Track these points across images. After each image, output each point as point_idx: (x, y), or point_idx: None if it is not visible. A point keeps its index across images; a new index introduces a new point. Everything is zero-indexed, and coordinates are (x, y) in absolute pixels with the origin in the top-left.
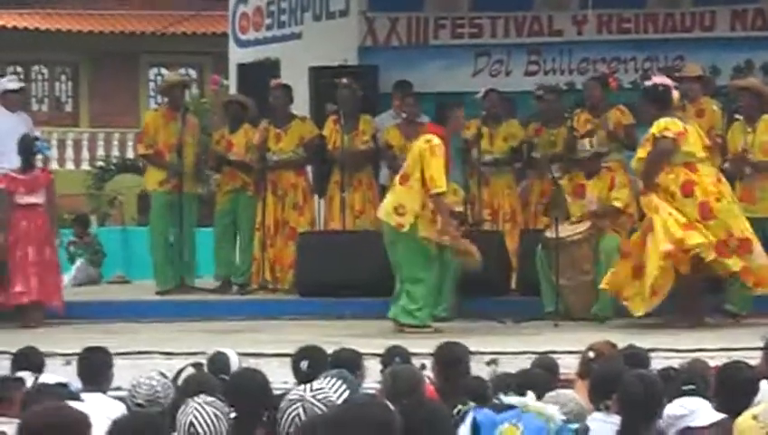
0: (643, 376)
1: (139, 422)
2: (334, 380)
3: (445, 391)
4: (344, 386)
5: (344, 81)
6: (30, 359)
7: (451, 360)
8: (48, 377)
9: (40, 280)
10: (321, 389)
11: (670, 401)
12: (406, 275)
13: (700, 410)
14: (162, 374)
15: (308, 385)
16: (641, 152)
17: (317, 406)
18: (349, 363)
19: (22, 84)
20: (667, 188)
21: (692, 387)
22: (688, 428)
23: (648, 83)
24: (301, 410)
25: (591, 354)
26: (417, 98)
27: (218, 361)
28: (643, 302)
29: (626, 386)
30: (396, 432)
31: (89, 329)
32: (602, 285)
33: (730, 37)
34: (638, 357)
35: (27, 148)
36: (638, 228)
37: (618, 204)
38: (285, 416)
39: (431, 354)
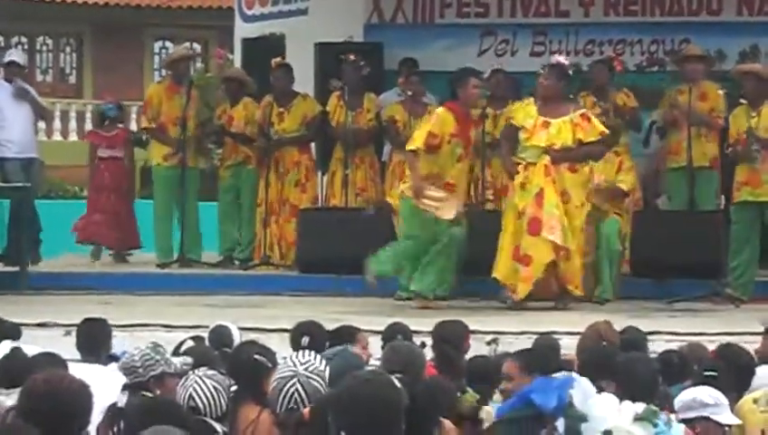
0: (640, 359)
1: (156, 408)
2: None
3: (443, 370)
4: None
5: (351, 57)
6: (3, 327)
7: (448, 337)
8: (29, 347)
9: (115, 225)
10: (308, 361)
11: (670, 384)
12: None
13: (725, 407)
14: (156, 345)
15: (294, 359)
16: (587, 135)
17: (312, 378)
18: (347, 338)
19: (12, 58)
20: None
21: (714, 374)
22: (706, 417)
23: (560, 60)
24: (298, 385)
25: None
26: (422, 76)
27: (220, 334)
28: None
29: (625, 369)
30: (401, 409)
31: (88, 300)
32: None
33: (736, 22)
34: (634, 340)
35: (101, 114)
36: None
37: (623, 186)
38: (283, 394)
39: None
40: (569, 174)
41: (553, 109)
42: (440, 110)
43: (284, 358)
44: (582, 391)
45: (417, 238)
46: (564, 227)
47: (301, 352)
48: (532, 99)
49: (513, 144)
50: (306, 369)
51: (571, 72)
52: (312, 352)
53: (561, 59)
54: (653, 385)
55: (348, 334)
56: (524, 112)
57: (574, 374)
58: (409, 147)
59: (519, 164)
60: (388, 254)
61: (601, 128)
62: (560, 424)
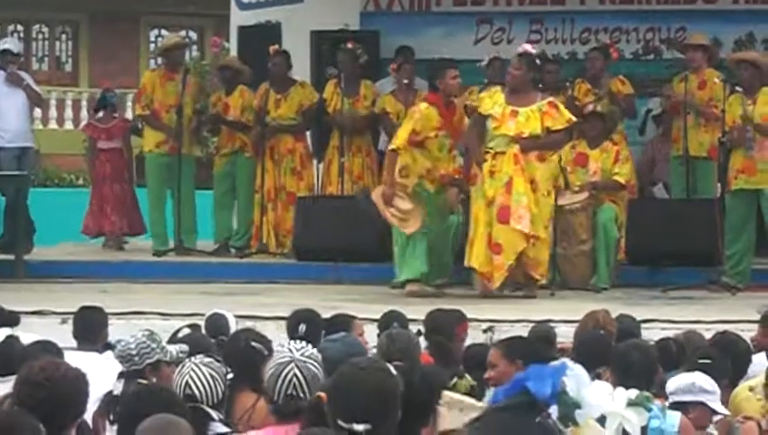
0: (638, 345)
1: (150, 398)
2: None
3: (437, 358)
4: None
5: (349, 45)
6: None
7: (439, 326)
8: (25, 335)
9: (121, 214)
10: (303, 346)
11: (666, 371)
12: None
13: (719, 396)
14: (151, 333)
15: (289, 346)
16: (555, 123)
17: (309, 362)
18: (342, 327)
19: (6, 47)
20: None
21: (708, 361)
22: (702, 403)
23: (528, 50)
24: (296, 370)
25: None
26: (418, 65)
27: (216, 322)
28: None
29: (623, 355)
30: (396, 396)
31: (85, 288)
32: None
33: (732, 10)
34: (627, 329)
35: (100, 100)
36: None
37: (620, 179)
38: (281, 379)
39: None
40: (537, 163)
41: (521, 97)
42: (423, 105)
43: (280, 345)
44: (576, 379)
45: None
46: (534, 215)
47: (292, 341)
48: (498, 87)
49: (482, 133)
50: (302, 354)
51: (538, 61)
52: (303, 341)
53: (529, 48)
54: (650, 373)
55: (343, 323)
56: (492, 101)
57: (568, 361)
58: (392, 146)
59: (487, 153)
60: (409, 259)
61: (569, 116)
62: (554, 411)
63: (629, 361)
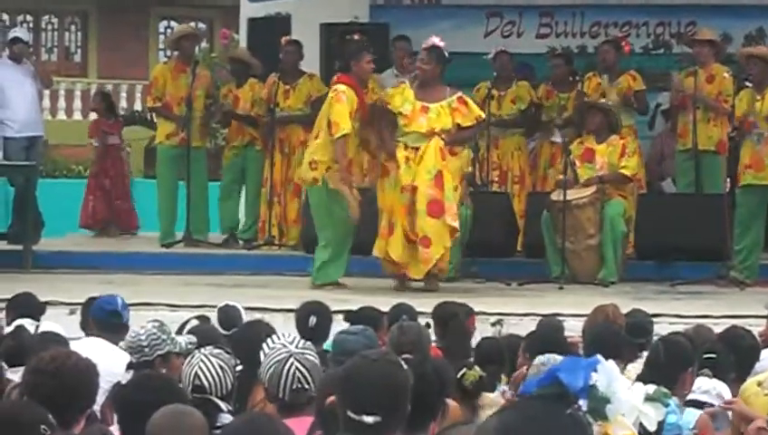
0: (668, 340)
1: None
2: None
3: (445, 350)
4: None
5: (355, 36)
6: (29, 305)
7: (446, 317)
8: (47, 325)
9: (119, 205)
10: (294, 338)
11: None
12: (317, 230)
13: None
14: (160, 325)
15: (282, 341)
16: (465, 119)
17: (307, 353)
18: (370, 321)
19: (17, 34)
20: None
21: (713, 355)
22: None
23: (437, 43)
24: (297, 363)
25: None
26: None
27: (229, 313)
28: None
29: (654, 351)
30: (407, 390)
31: (93, 279)
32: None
33: (743, 5)
34: (639, 323)
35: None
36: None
37: (627, 172)
38: (284, 376)
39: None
40: (449, 157)
41: (431, 93)
42: (342, 87)
43: (271, 342)
44: (606, 374)
45: (331, 233)
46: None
47: (278, 336)
48: (407, 83)
49: (393, 127)
50: (297, 346)
51: (446, 53)
52: (286, 333)
53: (437, 41)
54: (677, 370)
55: (372, 318)
56: (402, 97)
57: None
58: (340, 133)
59: (397, 143)
60: (326, 263)
61: (478, 112)
62: (583, 404)
63: (661, 356)
